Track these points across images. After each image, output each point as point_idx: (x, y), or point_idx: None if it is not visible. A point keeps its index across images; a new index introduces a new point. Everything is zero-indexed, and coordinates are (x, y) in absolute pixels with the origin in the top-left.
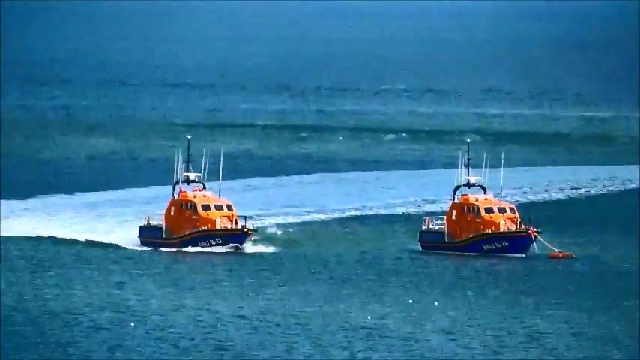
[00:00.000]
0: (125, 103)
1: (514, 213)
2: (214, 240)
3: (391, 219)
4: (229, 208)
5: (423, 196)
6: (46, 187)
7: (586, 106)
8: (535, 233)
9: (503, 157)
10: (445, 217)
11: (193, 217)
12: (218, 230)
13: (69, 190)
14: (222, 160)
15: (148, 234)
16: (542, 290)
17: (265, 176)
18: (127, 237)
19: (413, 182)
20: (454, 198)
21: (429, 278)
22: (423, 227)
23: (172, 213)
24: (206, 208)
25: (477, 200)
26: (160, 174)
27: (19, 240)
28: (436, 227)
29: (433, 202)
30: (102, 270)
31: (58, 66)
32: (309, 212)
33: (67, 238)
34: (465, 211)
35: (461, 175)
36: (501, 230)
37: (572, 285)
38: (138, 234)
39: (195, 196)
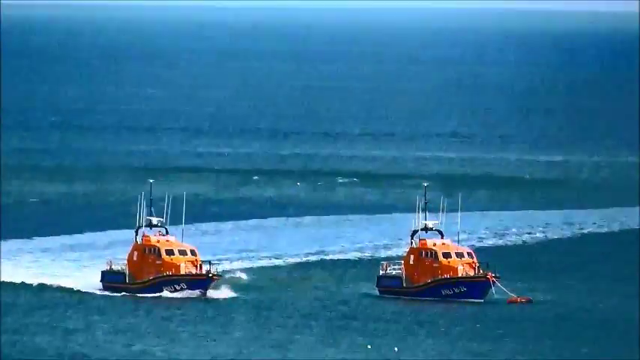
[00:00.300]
0: (80, 147)
1: (472, 257)
2: (179, 285)
3: (348, 264)
4: (193, 253)
5: (381, 240)
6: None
7: (541, 150)
8: (493, 278)
9: (460, 200)
10: (403, 261)
11: (157, 261)
12: (182, 275)
13: (25, 235)
14: (184, 204)
15: (110, 279)
16: (501, 336)
17: (221, 221)
18: (88, 282)
19: (370, 226)
20: (412, 242)
21: (386, 323)
22: (381, 272)
23: (135, 258)
24: (170, 252)
25: (434, 245)
26: (118, 217)
27: None
28: (394, 272)
29: (390, 246)
30: (60, 315)
31: (12, 107)
32: (267, 257)
33: (27, 282)
34: (423, 255)
35: (418, 220)
36: (459, 275)
37: (531, 330)
38: (100, 278)
39: (158, 241)
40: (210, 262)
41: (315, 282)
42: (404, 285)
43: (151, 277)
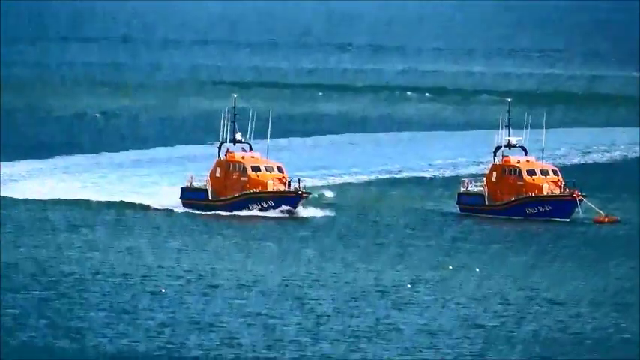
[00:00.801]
0: (152, 61)
1: (557, 175)
2: (266, 203)
3: (427, 181)
4: (280, 170)
5: (461, 157)
6: (67, 146)
7: (625, 65)
8: (580, 197)
9: (545, 117)
10: (485, 179)
11: (242, 178)
12: (270, 192)
13: (94, 150)
14: (270, 119)
15: (191, 196)
16: (585, 256)
17: (297, 136)
18: (166, 200)
19: (449, 143)
20: (494, 159)
21: (467, 243)
22: (462, 189)
23: (218, 174)
24: (256, 169)
25: (518, 162)
26: (194, 132)
27: (39, 202)
28: (475, 189)
29: (471, 164)
30: (143, 234)
31: (81, 23)
32: (348, 174)
33: (101, 200)
34: (506, 172)
35: (501, 136)
36: (545, 194)
37: (619, 250)
38: (180, 196)
39: (243, 157)
40: (299, 180)
41: (395, 200)
42: (486, 203)
43: (236, 195)
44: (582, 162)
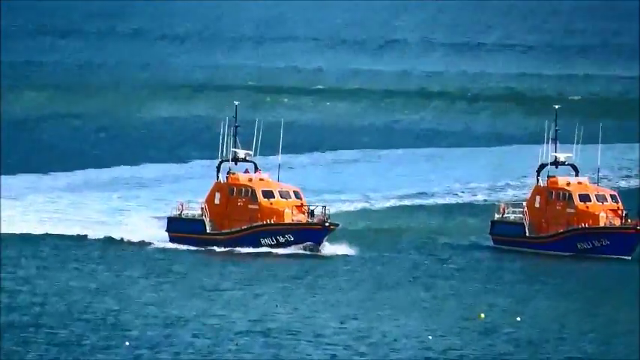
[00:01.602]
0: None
1: (617, 202)
2: (283, 237)
3: (456, 207)
4: (297, 195)
5: (497, 177)
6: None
7: None
8: None
9: (600, 129)
10: (526, 204)
11: (251, 206)
12: (289, 224)
13: (41, 169)
14: (282, 131)
15: (182, 228)
16: None
17: (295, 152)
18: (148, 231)
19: (483, 160)
20: (538, 180)
21: (505, 284)
22: (497, 217)
23: (218, 201)
24: (269, 195)
25: (568, 184)
26: (182, 148)
27: None
28: (513, 217)
29: (509, 186)
30: (121, 279)
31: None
32: (355, 199)
33: (62, 233)
34: (554, 197)
35: (546, 152)
36: (602, 225)
37: None
38: (166, 227)
39: (251, 179)
40: (324, 208)
41: (415, 231)
42: (527, 234)
43: (244, 227)
44: None
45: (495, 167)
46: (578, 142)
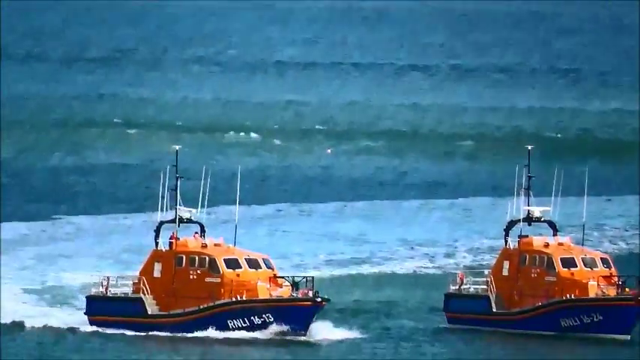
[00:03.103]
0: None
1: (609, 267)
2: (260, 317)
3: (397, 277)
4: (267, 264)
5: (452, 237)
6: None
7: None
8: None
9: (587, 176)
10: (491, 272)
11: (210, 279)
12: (267, 301)
13: None
14: (239, 181)
15: (110, 309)
16: None
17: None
18: (57, 313)
19: (433, 217)
20: (506, 241)
21: None
22: (452, 288)
23: (160, 274)
24: (233, 265)
25: (547, 246)
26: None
27: None
28: (472, 289)
29: (469, 249)
30: None
31: None
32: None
33: None
34: (528, 262)
35: (516, 205)
36: (592, 296)
37: None
38: (86, 309)
39: (204, 246)
40: (306, 280)
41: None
42: (494, 309)
43: (204, 306)
44: None
45: (447, 225)
46: (557, 194)
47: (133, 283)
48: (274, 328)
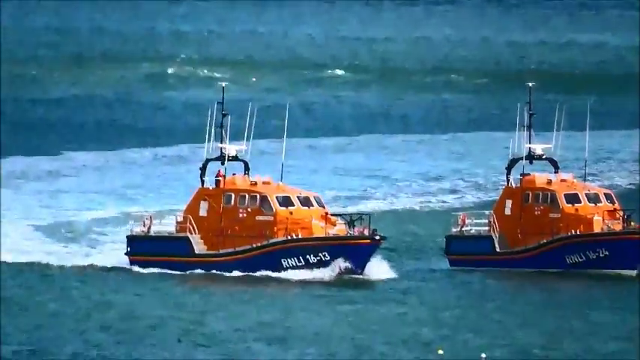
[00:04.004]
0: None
1: (613, 203)
2: (316, 256)
3: (397, 215)
4: (319, 202)
5: (452, 176)
6: None
7: None
8: None
9: (588, 112)
10: (493, 211)
11: (261, 217)
12: (324, 239)
13: None
14: (286, 118)
15: (153, 248)
16: None
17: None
18: (98, 255)
19: (434, 153)
20: (508, 180)
21: (464, 320)
22: (454, 230)
23: (206, 212)
24: (287, 202)
25: (549, 182)
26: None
27: None
28: (473, 230)
29: (469, 187)
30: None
31: None
32: None
33: None
34: (531, 200)
35: (518, 142)
36: (598, 231)
37: None
38: (127, 249)
39: (253, 184)
40: (361, 217)
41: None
42: (497, 249)
43: (257, 245)
44: None
45: (452, 160)
46: (559, 129)
47: (177, 222)
48: (331, 266)
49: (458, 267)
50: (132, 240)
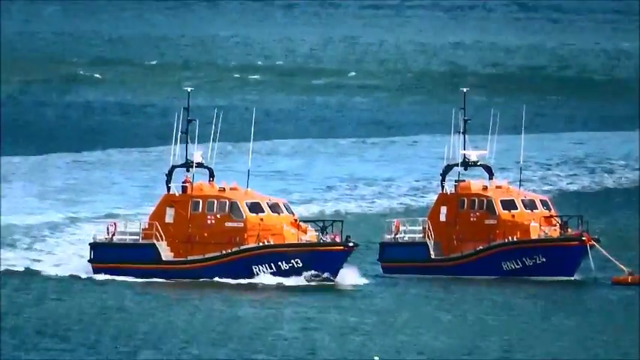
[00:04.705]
0: None
1: (548, 209)
2: (288, 262)
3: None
4: (288, 209)
5: (386, 182)
6: None
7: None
8: (591, 241)
9: (524, 115)
10: (427, 218)
11: (231, 224)
12: (298, 245)
13: None
14: (253, 121)
15: (117, 256)
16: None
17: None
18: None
19: (367, 158)
20: (443, 186)
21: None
22: (388, 237)
23: (172, 219)
24: (256, 209)
25: (485, 189)
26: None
27: None
28: (407, 237)
29: (404, 193)
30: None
31: None
32: None
33: None
34: (466, 206)
35: (453, 148)
36: (535, 237)
37: None
38: (90, 256)
39: (221, 190)
40: (332, 223)
41: None
42: (432, 255)
43: (226, 252)
44: (585, 186)
45: (386, 166)
46: (493, 132)
47: (142, 229)
48: (303, 273)
49: (391, 274)
50: (95, 247)
